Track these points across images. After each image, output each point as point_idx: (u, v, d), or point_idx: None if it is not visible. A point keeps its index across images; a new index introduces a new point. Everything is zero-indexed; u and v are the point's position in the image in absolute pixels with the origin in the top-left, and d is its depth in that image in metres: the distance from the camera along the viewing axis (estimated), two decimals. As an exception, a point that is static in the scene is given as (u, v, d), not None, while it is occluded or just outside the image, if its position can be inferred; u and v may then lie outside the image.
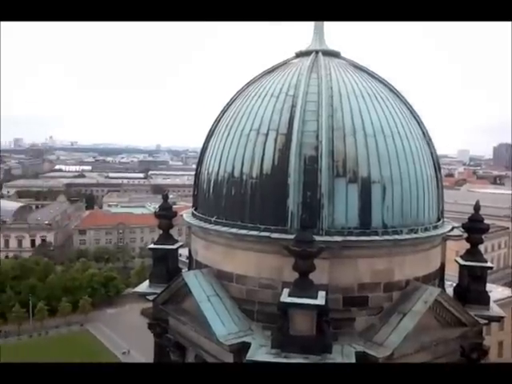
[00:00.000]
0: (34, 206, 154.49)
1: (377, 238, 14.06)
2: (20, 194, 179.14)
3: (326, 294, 12.60)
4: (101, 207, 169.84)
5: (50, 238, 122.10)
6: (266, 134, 14.78)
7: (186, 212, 17.88)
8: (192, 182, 18.41)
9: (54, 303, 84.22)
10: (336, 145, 14.28)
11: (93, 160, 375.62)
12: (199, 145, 17.67)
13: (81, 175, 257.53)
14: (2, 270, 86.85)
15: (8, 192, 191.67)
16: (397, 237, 14.31)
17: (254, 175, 14.57)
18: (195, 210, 17.10)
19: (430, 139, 16.52)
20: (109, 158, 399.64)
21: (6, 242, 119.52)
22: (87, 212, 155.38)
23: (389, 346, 12.97)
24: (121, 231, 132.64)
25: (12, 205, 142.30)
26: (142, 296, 17.45)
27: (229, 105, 17.07)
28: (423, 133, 16.33)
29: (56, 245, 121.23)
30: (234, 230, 14.54)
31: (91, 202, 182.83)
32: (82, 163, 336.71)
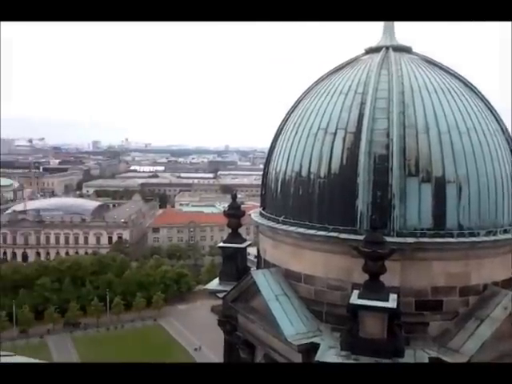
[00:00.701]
0: (111, 205, 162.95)
1: (452, 239, 13.46)
2: (98, 194, 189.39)
3: (398, 296, 12.25)
4: (173, 206, 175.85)
5: (126, 235, 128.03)
6: (334, 133, 14.59)
7: (254, 211, 18.07)
8: (259, 182, 18.56)
9: (129, 298, 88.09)
10: (408, 142, 13.82)
11: (165, 161, 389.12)
12: (266, 145, 17.77)
13: (154, 175, 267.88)
14: (82, 266, 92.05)
15: (87, 191, 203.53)
16: (473, 239, 13.61)
17: (322, 174, 14.43)
18: (263, 209, 17.22)
19: (510, 136, 15.56)
20: (180, 159, 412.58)
21: (86, 239, 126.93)
22: (160, 211, 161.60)
23: (465, 353, 12.38)
24: (192, 229, 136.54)
25: (91, 203, 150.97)
26: (213, 293, 17.84)
27: (297, 103, 17.03)
28: (502, 129, 15.41)
29: (131, 242, 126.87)
30: (301, 230, 14.49)
31: (164, 201, 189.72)
32: (155, 164, 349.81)
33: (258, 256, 17.75)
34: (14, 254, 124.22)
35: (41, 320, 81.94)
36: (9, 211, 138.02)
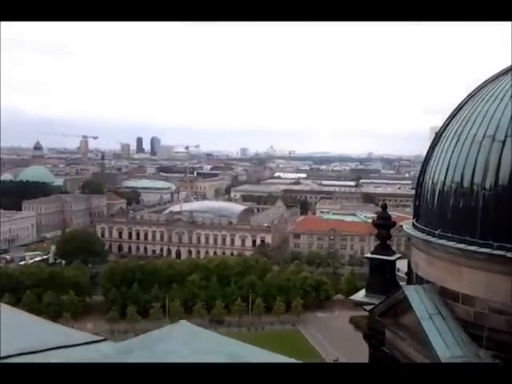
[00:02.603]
0: (255, 210, 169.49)
1: None
2: (244, 198, 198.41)
3: None
4: (314, 213, 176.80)
5: (269, 239, 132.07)
6: (503, 141, 13.23)
7: (405, 223, 17.24)
8: (404, 191, 17.74)
9: (269, 301, 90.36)
10: None
11: (308, 168, 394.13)
12: (413, 153, 17.04)
13: (297, 182, 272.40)
14: (228, 266, 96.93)
15: (235, 196, 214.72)
16: None
17: (488, 186, 13.18)
18: (416, 220, 16.33)
19: None
20: (322, 167, 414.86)
21: (232, 241, 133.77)
22: (301, 217, 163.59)
23: None
24: (332, 237, 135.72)
25: (238, 207, 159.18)
26: (358, 304, 17.42)
27: (458, 109, 15.85)
28: None
29: (273, 246, 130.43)
30: (461, 246, 13.38)
31: (305, 207, 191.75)
32: (298, 171, 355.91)
33: (409, 270, 16.87)
34: (169, 251, 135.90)
35: (189, 314, 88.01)
36: (166, 211, 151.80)
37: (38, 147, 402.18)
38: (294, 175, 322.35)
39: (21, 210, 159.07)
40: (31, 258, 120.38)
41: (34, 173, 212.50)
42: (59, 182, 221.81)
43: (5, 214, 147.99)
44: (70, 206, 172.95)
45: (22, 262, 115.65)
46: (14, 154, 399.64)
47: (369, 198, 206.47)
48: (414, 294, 14.11)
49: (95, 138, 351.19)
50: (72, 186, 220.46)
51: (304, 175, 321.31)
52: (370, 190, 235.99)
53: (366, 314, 17.15)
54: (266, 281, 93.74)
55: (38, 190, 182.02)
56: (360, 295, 17.81)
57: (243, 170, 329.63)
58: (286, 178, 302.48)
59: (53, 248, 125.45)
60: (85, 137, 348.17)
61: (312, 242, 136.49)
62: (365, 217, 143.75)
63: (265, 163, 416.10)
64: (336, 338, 77.62)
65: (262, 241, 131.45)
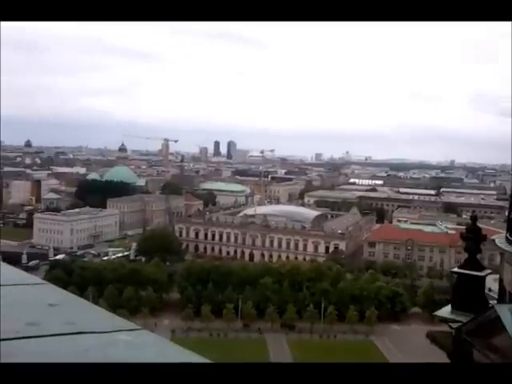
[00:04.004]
0: (329, 216, 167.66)
1: None
2: (318, 204, 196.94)
3: None
4: (390, 222, 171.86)
5: (342, 246, 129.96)
6: None
7: (497, 236, 16.24)
8: (488, 202, 16.62)
9: (342, 309, 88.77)
10: None
11: (385, 175, 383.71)
12: (497, 161, 15.81)
13: (373, 189, 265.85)
14: (301, 271, 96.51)
15: (308, 201, 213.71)
16: None
17: None
18: (510, 235, 15.29)
19: None
20: (400, 174, 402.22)
21: (304, 246, 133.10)
22: (377, 225, 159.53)
23: None
24: (409, 248, 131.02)
25: (311, 212, 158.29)
26: (443, 321, 16.61)
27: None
28: None
29: (347, 253, 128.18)
30: None
31: (381, 215, 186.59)
32: (374, 178, 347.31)
33: (501, 287, 15.83)
34: (243, 253, 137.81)
35: (261, 317, 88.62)
36: (241, 214, 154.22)
37: (122, 149, 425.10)
38: (369, 182, 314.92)
39: (106, 207, 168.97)
40: (114, 254, 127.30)
41: (118, 173, 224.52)
42: (141, 182, 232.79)
43: (91, 212, 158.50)
44: (150, 206, 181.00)
45: (106, 258, 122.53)
46: (100, 155, 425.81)
47: (450, 208, 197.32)
48: (507, 314, 13.19)
49: (175, 141, 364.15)
50: (153, 186, 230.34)
51: (380, 182, 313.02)
52: (452, 199, 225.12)
53: (444, 329, 16.33)
54: (338, 288, 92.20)
55: (121, 189, 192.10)
56: (445, 311, 16.96)
57: (317, 175, 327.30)
58: (362, 185, 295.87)
59: (134, 245, 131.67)
60: (166, 140, 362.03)
61: (388, 252, 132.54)
62: (446, 227, 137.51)
63: (339, 169, 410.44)
64: (413, 353, 74.46)
65: (336, 248, 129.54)
